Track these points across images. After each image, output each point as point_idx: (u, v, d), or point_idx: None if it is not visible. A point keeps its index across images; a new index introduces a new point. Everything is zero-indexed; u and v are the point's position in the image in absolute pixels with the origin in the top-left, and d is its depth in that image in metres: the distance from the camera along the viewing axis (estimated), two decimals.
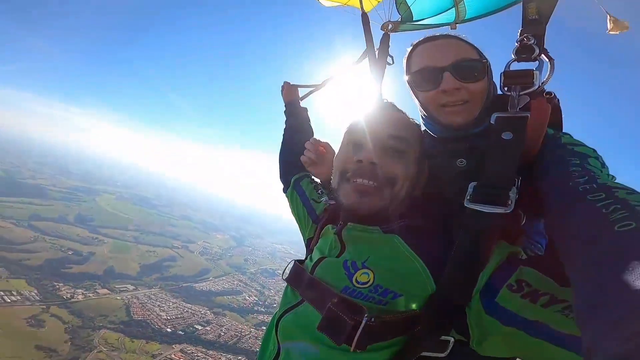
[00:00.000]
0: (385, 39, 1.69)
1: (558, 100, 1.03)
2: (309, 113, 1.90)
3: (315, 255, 1.01)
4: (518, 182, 0.79)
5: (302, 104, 1.95)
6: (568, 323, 0.62)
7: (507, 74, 0.97)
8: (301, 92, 1.99)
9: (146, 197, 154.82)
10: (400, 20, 1.78)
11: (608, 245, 0.52)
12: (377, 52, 1.66)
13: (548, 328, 0.64)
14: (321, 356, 0.79)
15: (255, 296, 68.36)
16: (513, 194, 0.75)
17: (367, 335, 0.73)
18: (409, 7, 1.77)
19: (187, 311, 54.24)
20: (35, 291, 48.08)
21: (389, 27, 1.73)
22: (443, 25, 1.74)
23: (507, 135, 0.83)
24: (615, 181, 0.73)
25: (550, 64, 0.97)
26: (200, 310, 55.89)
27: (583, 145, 0.89)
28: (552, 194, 0.76)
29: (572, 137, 0.93)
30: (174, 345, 43.35)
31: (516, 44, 1.00)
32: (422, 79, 1.07)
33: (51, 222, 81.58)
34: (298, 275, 0.99)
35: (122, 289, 56.99)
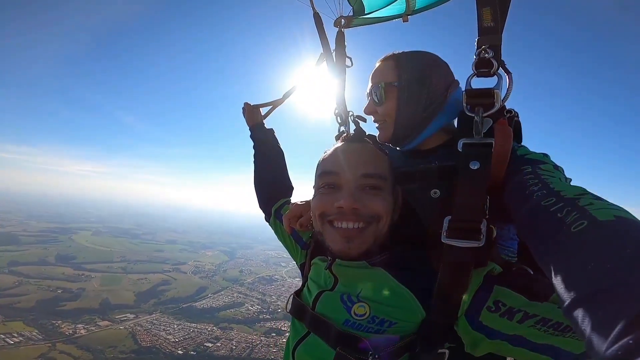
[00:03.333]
0: (340, 37, 1.63)
1: (517, 115, 1.09)
2: (275, 133, 1.83)
3: (313, 288, 1.07)
4: (487, 203, 0.85)
5: (267, 121, 1.88)
6: (541, 335, 0.74)
7: (469, 93, 0.94)
8: (263, 110, 1.90)
9: (125, 229, 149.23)
10: (352, 13, 1.69)
11: (570, 246, 0.58)
12: (334, 54, 1.61)
13: (525, 340, 0.76)
14: None
15: (257, 305, 68.64)
16: (484, 227, 0.80)
17: None
18: None
19: (193, 331, 53.97)
20: (36, 331, 46.46)
21: (342, 23, 1.66)
22: (395, 18, 1.69)
23: (474, 165, 0.85)
24: (565, 182, 0.80)
25: (508, 78, 0.93)
26: (207, 327, 55.76)
27: (534, 152, 0.98)
28: (512, 204, 0.84)
29: (526, 148, 1.01)
30: None
31: (475, 57, 0.95)
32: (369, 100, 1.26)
33: (32, 266, 77.50)
34: (301, 309, 1.06)
35: (122, 319, 55.68)
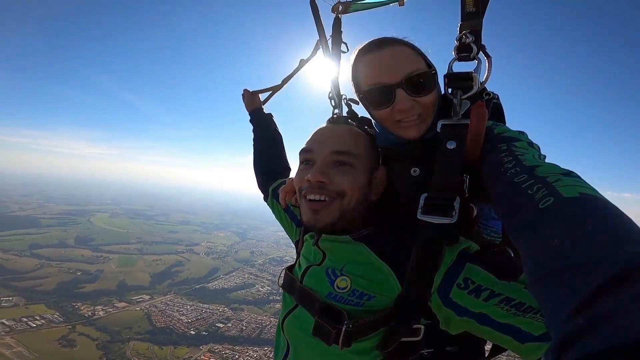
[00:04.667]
0: (336, 24, 1.63)
1: (497, 97, 1.10)
2: (274, 117, 1.89)
3: (303, 263, 1.13)
4: (466, 182, 0.91)
5: (267, 107, 1.94)
6: (503, 314, 0.77)
7: (450, 77, 0.99)
8: (263, 95, 1.96)
9: (140, 210, 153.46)
10: None
11: (536, 223, 0.60)
12: (330, 40, 1.63)
13: (490, 318, 0.79)
14: (321, 350, 0.96)
15: (268, 286, 70.20)
16: (457, 204, 0.84)
17: (349, 336, 0.89)
18: None
19: (205, 311, 55.88)
20: (57, 313, 48.95)
21: (339, 9, 1.66)
22: (392, 2, 1.67)
23: (450, 144, 0.90)
24: (538, 158, 0.82)
25: (488, 62, 0.97)
26: (218, 308, 57.63)
27: (510, 130, 0.98)
28: (488, 182, 0.86)
29: (503, 127, 1.01)
30: (201, 347, 44.87)
31: (456, 42, 1.00)
32: (374, 97, 1.05)
33: (52, 248, 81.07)
34: (291, 283, 1.12)
35: (138, 300, 58.00)
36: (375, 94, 1.05)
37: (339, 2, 1.66)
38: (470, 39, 0.97)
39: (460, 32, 0.99)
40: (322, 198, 0.99)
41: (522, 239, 0.63)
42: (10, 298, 52.03)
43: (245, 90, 1.93)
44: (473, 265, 0.86)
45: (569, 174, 0.69)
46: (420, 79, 1.01)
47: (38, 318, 46.87)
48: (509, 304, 0.76)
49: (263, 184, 1.66)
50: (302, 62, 1.86)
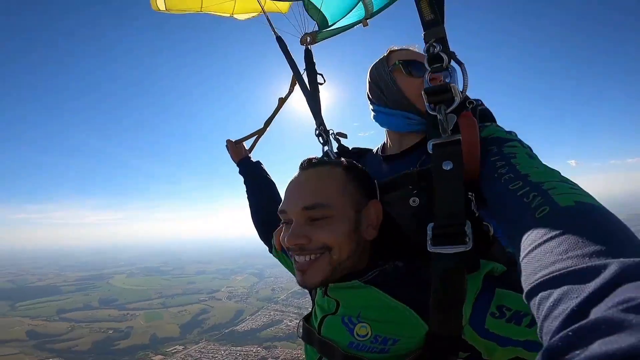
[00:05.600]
0: (308, 55, 1.57)
1: (481, 102, 1.07)
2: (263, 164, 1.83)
3: (318, 313, 1.06)
4: (473, 202, 0.87)
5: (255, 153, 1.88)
6: None
7: (428, 92, 0.90)
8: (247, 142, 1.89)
9: (155, 267, 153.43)
10: (316, 28, 1.64)
11: (533, 233, 0.58)
12: (304, 74, 1.58)
13: (538, 344, 0.70)
14: None
15: (296, 319, 69.61)
16: (469, 229, 0.78)
17: None
18: (320, 11, 1.65)
19: (240, 354, 55.71)
20: None
21: (308, 40, 1.59)
22: (356, 24, 1.65)
23: (446, 165, 0.84)
24: (532, 162, 0.79)
25: (461, 68, 0.91)
26: (252, 349, 57.46)
27: (499, 130, 0.95)
28: (483, 188, 0.83)
29: (491, 128, 0.98)
30: None
31: (424, 53, 0.95)
32: (412, 66, 1.14)
33: (79, 311, 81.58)
34: (309, 334, 1.06)
35: (173, 351, 58.00)
36: (416, 63, 1.13)
37: (307, 34, 1.64)
38: (438, 47, 0.91)
39: (425, 42, 0.93)
40: (308, 258, 0.93)
41: (520, 249, 0.60)
42: None
43: (229, 141, 1.88)
44: (503, 290, 0.79)
45: (564, 180, 0.67)
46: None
47: None
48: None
49: (265, 236, 1.57)
50: (281, 101, 1.81)
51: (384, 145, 1.31)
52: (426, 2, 0.92)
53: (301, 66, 1.66)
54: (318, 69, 1.64)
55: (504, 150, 0.84)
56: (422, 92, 0.92)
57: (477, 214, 0.87)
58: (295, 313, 73.71)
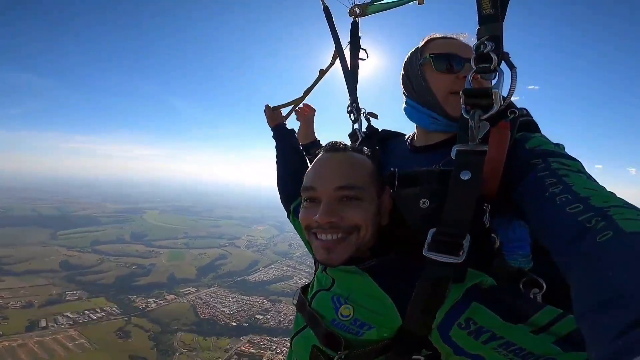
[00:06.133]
0: (354, 29, 1.55)
1: (526, 112, 0.99)
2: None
3: (315, 286, 1.13)
4: (486, 213, 0.84)
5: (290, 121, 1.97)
6: (499, 358, 0.74)
7: (466, 93, 0.87)
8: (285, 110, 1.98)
9: (186, 207, 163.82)
10: (367, 0, 1.60)
11: (593, 257, 0.57)
12: (348, 47, 1.57)
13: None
14: None
15: (305, 278, 70.59)
16: (467, 242, 0.79)
17: None
18: None
19: (246, 303, 58.11)
20: (115, 306, 53.93)
21: (357, 12, 1.57)
22: (409, 2, 1.58)
23: (465, 175, 0.82)
24: (588, 181, 0.74)
25: (512, 73, 0.85)
26: (258, 300, 59.54)
27: (546, 142, 0.89)
28: (528, 205, 0.79)
29: (538, 139, 0.91)
30: (241, 338, 46.93)
31: (473, 51, 0.90)
32: (444, 61, 1.07)
33: (111, 245, 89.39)
34: (302, 304, 1.12)
35: (186, 293, 61.95)
36: (445, 58, 1.07)
37: (356, 5, 1.58)
38: (490, 46, 0.84)
39: (478, 38, 0.87)
40: (335, 237, 0.96)
41: (574, 271, 0.60)
42: (75, 292, 58.28)
43: (267, 106, 1.93)
44: (479, 305, 0.80)
45: (628, 205, 0.65)
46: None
47: (99, 311, 51.86)
48: (508, 349, 0.73)
49: (285, 201, 1.60)
50: (321, 72, 1.84)
51: (414, 135, 1.30)
52: None
53: (346, 39, 1.66)
54: (363, 44, 1.62)
55: (553, 166, 0.79)
56: (460, 93, 0.88)
57: (487, 226, 0.86)
58: (306, 272, 74.79)
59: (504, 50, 0.84)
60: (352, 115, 1.49)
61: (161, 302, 57.14)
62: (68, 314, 50.28)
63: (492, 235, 0.89)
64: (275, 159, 1.81)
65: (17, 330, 44.26)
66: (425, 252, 0.82)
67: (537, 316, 0.73)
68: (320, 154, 1.09)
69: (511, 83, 0.84)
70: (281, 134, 1.86)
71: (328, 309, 1.00)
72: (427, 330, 0.84)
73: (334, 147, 1.08)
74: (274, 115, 1.92)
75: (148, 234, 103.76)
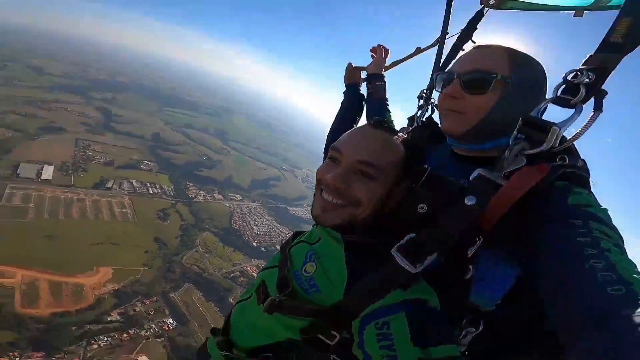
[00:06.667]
0: (476, 18, 1.51)
1: (584, 165, 0.89)
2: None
3: (305, 237, 1.15)
4: (477, 244, 0.83)
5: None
6: None
7: (525, 121, 0.83)
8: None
9: (270, 123, 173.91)
10: None
11: (618, 334, 0.56)
12: (459, 34, 1.52)
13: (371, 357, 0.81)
14: (251, 306, 1.08)
15: None
16: (430, 259, 0.81)
17: (272, 306, 0.95)
18: None
19: (274, 231, 62.18)
20: (172, 187, 62.98)
21: (491, 3, 1.50)
22: (567, 10, 1.32)
23: (469, 200, 0.81)
24: (620, 253, 0.71)
25: (593, 114, 0.76)
26: (287, 232, 61.68)
27: (593, 204, 0.82)
28: (552, 259, 0.75)
29: (583, 195, 0.84)
30: (252, 260, 50.62)
31: (561, 78, 0.81)
32: (439, 80, 1.11)
33: (197, 132, 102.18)
34: (284, 246, 1.17)
35: (232, 198, 68.98)
36: (441, 76, 1.11)
37: None
38: (588, 78, 0.76)
39: (583, 64, 0.79)
40: (336, 201, 1.00)
41: (586, 332, 0.59)
42: (149, 163, 69.38)
43: (349, 64, 2.04)
44: (403, 317, 0.82)
45: None
46: (476, 78, 0.99)
47: (157, 187, 61.12)
48: None
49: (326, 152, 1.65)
50: (418, 51, 1.90)
51: None
52: (629, 23, 0.75)
53: (459, 27, 1.64)
54: (478, 38, 1.60)
55: (595, 234, 0.74)
56: (520, 119, 0.84)
57: (469, 255, 0.86)
58: None
59: (603, 88, 0.76)
60: (420, 100, 1.54)
61: (209, 197, 64.97)
62: (133, 181, 59.85)
63: (469, 266, 0.88)
64: (336, 112, 1.95)
65: (86, 184, 53.80)
66: (392, 250, 0.85)
67: (436, 349, 0.75)
68: (364, 125, 1.12)
69: (584, 126, 0.77)
70: (352, 93, 2.02)
71: (299, 260, 1.04)
72: (354, 315, 0.87)
73: (376, 123, 1.10)
74: (352, 74, 2.04)
75: (228, 132, 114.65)
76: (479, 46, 1.10)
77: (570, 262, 0.71)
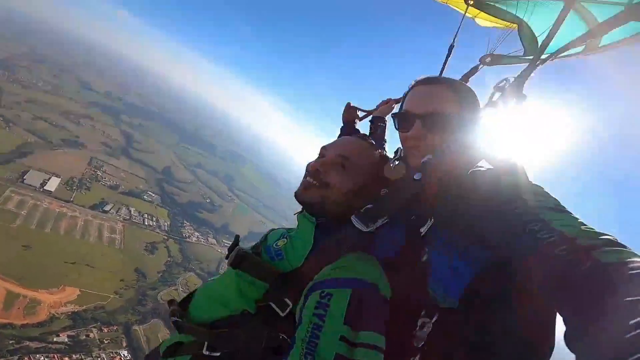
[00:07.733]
0: (471, 73, 1.64)
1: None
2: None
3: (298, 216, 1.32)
4: (429, 223, 0.92)
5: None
6: (300, 337, 0.82)
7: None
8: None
9: (276, 178, 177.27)
10: (519, 53, 1.64)
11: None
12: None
13: (298, 330, 0.86)
14: (214, 278, 1.23)
15: None
16: (380, 222, 0.99)
17: (238, 257, 1.07)
18: (536, 39, 1.61)
19: None
20: (168, 223, 61.87)
21: (487, 61, 1.64)
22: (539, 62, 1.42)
23: (417, 176, 1.01)
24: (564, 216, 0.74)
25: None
26: None
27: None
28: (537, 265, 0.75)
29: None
30: None
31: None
32: (399, 121, 1.18)
33: (207, 174, 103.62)
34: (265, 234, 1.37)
35: (225, 244, 65.81)
36: (401, 116, 1.18)
37: (490, 54, 1.67)
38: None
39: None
40: (312, 181, 1.19)
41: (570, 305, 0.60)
42: (153, 195, 69.60)
43: (348, 103, 2.27)
44: (347, 294, 0.84)
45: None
46: (438, 119, 1.08)
47: (154, 219, 60.20)
48: (313, 332, 0.80)
49: None
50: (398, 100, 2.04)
51: None
52: None
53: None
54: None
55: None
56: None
57: (422, 235, 0.94)
58: None
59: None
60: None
61: (202, 240, 63.17)
62: (132, 209, 59.34)
63: (425, 247, 0.92)
64: None
65: (84, 203, 53.29)
66: (352, 216, 1.02)
67: (366, 333, 0.79)
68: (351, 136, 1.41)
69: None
70: (349, 129, 2.18)
71: (273, 238, 1.24)
72: (308, 278, 0.95)
73: (360, 135, 1.45)
74: (350, 112, 2.23)
75: (235, 179, 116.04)
76: (427, 84, 1.18)
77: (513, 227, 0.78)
